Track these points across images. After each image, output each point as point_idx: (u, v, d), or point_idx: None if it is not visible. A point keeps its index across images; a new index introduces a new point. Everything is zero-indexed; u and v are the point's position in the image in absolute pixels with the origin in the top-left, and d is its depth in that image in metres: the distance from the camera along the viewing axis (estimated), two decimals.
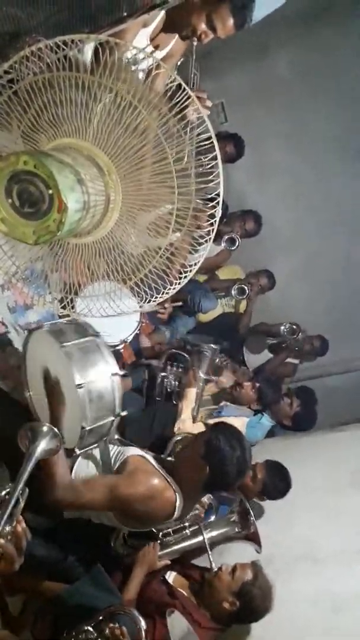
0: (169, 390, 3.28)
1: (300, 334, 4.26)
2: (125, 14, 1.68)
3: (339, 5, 3.94)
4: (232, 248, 4.23)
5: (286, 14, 3.32)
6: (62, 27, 1.71)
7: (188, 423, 2.89)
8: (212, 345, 3.48)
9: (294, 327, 4.24)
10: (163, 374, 3.33)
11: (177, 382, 3.27)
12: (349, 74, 4.17)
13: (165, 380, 3.31)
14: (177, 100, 1.51)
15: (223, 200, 1.65)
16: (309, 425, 3.82)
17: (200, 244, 1.76)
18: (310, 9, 3.83)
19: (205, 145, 1.55)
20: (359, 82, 4.16)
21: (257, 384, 3.41)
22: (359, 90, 4.17)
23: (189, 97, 1.49)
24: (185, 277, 1.81)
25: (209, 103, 1.87)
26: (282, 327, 4.27)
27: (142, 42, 2.02)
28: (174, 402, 3.20)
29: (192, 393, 3.02)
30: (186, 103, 1.49)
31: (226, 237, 4.18)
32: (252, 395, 3.38)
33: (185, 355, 3.37)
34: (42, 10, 1.67)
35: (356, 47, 4.11)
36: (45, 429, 1.59)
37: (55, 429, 1.61)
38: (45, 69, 1.52)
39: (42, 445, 1.57)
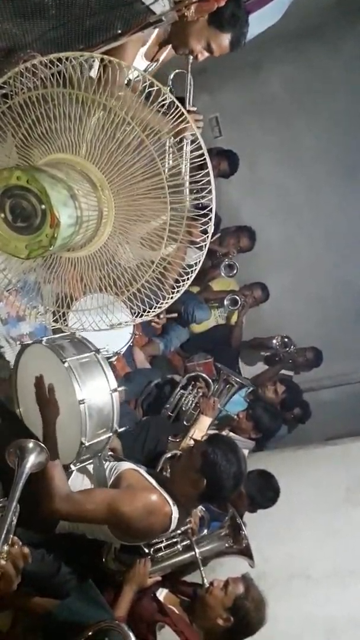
0: (183, 408, 3.27)
1: (292, 346, 4.30)
2: (119, 31, 1.69)
3: (329, 24, 4.02)
4: (231, 274, 4.28)
5: (278, 33, 3.39)
6: (57, 44, 1.72)
7: None
8: (239, 380, 3.48)
9: (286, 339, 4.32)
10: (183, 391, 3.32)
11: (193, 404, 3.27)
12: (340, 91, 4.23)
13: (183, 398, 3.30)
14: (170, 116, 1.53)
15: (215, 214, 1.67)
16: (298, 403, 3.88)
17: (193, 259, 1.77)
18: (301, 29, 3.89)
19: (198, 161, 1.57)
20: (350, 100, 4.22)
21: (251, 412, 3.41)
22: (350, 108, 4.23)
23: (182, 114, 1.51)
24: (179, 291, 1.82)
25: (200, 119, 1.97)
26: (274, 341, 4.34)
27: (138, 60, 2.06)
28: (185, 422, 3.19)
29: (206, 422, 3.00)
30: (180, 121, 1.51)
31: (225, 262, 4.24)
32: (248, 424, 3.38)
33: (210, 381, 3.37)
34: (37, 26, 1.67)
35: (346, 65, 4.17)
36: (31, 445, 1.60)
37: (41, 444, 1.61)
38: (39, 85, 1.54)
39: (31, 461, 1.57)
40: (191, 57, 2.04)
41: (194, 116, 1.96)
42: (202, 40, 2.00)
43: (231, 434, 3.34)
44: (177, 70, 2.09)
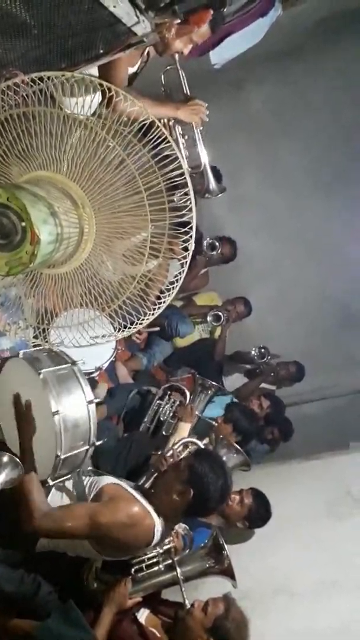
0: (161, 419, 3.26)
1: (269, 356, 4.35)
2: (101, 51, 1.71)
3: (310, 44, 4.09)
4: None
5: (260, 53, 3.45)
6: (40, 62, 1.72)
7: None
8: (214, 384, 3.48)
9: (262, 350, 4.36)
10: (160, 401, 3.31)
11: (171, 413, 3.26)
12: (321, 109, 4.30)
13: (160, 408, 3.29)
14: (152, 135, 1.54)
15: (197, 228, 1.69)
16: (282, 419, 3.92)
17: (175, 275, 1.78)
18: (283, 49, 3.95)
19: (179, 180, 1.58)
20: (331, 117, 4.29)
21: (229, 417, 3.41)
22: (331, 125, 4.30)
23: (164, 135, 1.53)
24: (160, 307, 1.82)
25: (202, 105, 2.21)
26: (252, 352, 4.39)
27: None
28: (164, 432, 3.17)
29: (186, 428, 3.00)
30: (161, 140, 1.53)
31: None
32: (227, 427, 3.37)
33: (184, 389, 3.37)
34: (19, 45, 1.68)
35: (327, 84, 4.25)
36: (5, 459, 1.58)
37: (17, 459, 1.59)
38: (21, 103, 1.55)
39: (3, 477, 1.55)
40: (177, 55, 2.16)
41: (195, 102, 2.22)
42: (184, 40, 2.08)
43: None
44: (167, 68, 2.25)
